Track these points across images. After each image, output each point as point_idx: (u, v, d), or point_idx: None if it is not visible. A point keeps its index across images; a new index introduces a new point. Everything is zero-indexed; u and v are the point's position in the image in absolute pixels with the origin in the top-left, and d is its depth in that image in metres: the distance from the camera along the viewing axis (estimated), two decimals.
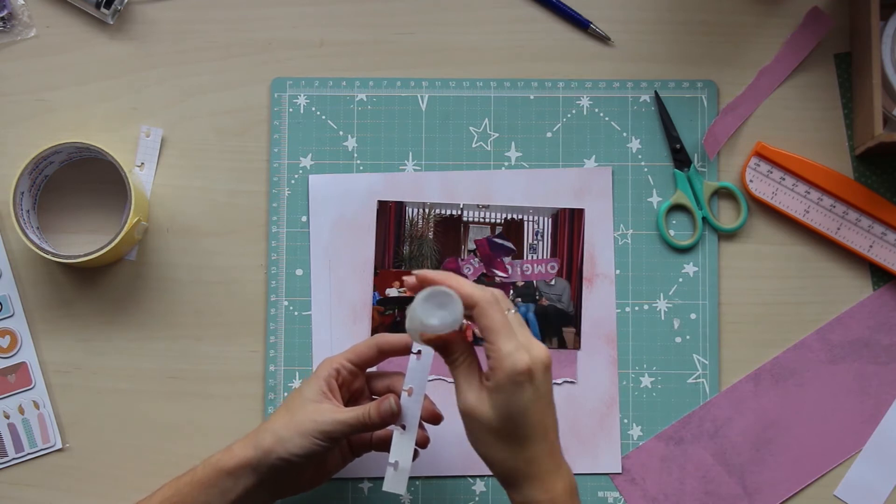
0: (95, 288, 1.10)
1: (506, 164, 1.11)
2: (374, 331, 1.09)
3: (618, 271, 1.10)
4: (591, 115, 1.11)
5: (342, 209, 1.10)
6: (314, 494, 1.07)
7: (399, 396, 0.93)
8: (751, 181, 1.09)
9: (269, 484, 0.95)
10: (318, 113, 1.11)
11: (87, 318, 1.09)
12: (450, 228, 1.10)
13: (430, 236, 1.10)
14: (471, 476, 1.09)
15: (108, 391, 1.09)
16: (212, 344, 1.09)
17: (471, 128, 1.11)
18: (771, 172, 1.09)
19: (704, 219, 1.10)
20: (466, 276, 1.09)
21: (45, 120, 1.10)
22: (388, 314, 1.09)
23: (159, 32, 1.11)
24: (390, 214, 1.10)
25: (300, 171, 1.10)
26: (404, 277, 0.91)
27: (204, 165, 1.11)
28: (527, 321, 1.08)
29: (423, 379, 0.93)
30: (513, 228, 1.10)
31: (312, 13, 1.11)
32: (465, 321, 0.89)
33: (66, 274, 1.10)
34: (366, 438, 1.01)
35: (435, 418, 0.99)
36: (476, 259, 1.10)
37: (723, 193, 1.10)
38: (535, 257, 1.10)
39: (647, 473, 1.08)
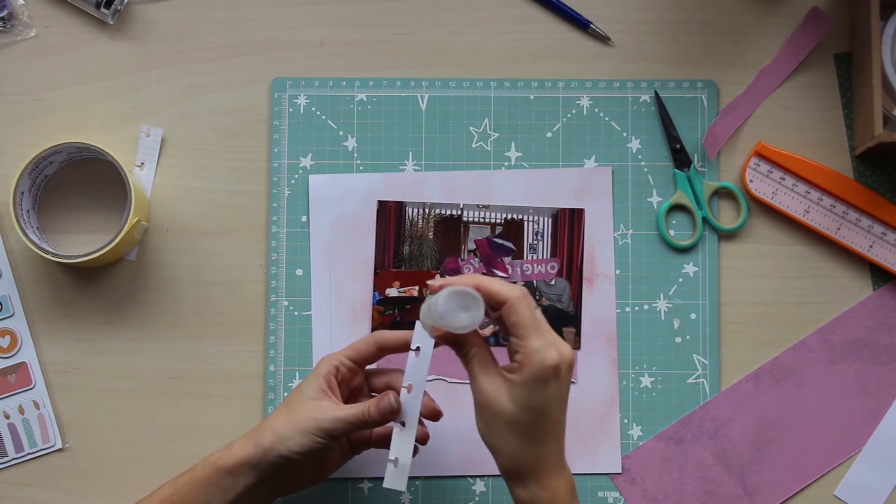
0: (95, 288, 1.10)
1: (506, 164, 1.11)
2: (374, 331, 1.09)
3: (618, 271, 1.10)
4: (591, 115, 1.11)
5: (342, 209, 1.10)
6: (314, 494, 1.07)
7: (398, 393, 0.94)
8: (751, 181, 1.09)
9: (269, 482, 0.95)
10: (318, 113, 1.11)
11: (87, 318, 1.09)
12: (450, 228, 1.10)
13: (430, 236, 1.10)
14: (471, 476, 1.09)
15: (108, 391, 1.09)
16: (212, 344, 1.09)
17: (471, 128, 1.11)
18: (771, 172, 1.09)
19: (704, 219, 1.10)
20: None
21: (45, 120, 1.10)
22: (388, 314, 1.09)
23: (159, 32, 1.11)
24: (390, 214, 1.10)
25: (300, 171, 1.10)
26: (429, 282, 0.91)
27: (204, 165, 1.11)
28: None
29: (422, 376, 0.93)
30: (513, 228, 1.10)
31: (312, 13, 1.11)
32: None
33: (66, 274, 1.10)
34: (365, 436, 1.01)
35: (434, 415, 0.99)
36: (476, 259, 1.10)
37: (723, 193, 1.10)
38: (535, 257, 1.10)
39: (647, 473, 1.08)
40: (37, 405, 1.08)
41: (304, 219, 1.10)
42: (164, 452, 1.08)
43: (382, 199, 1.10)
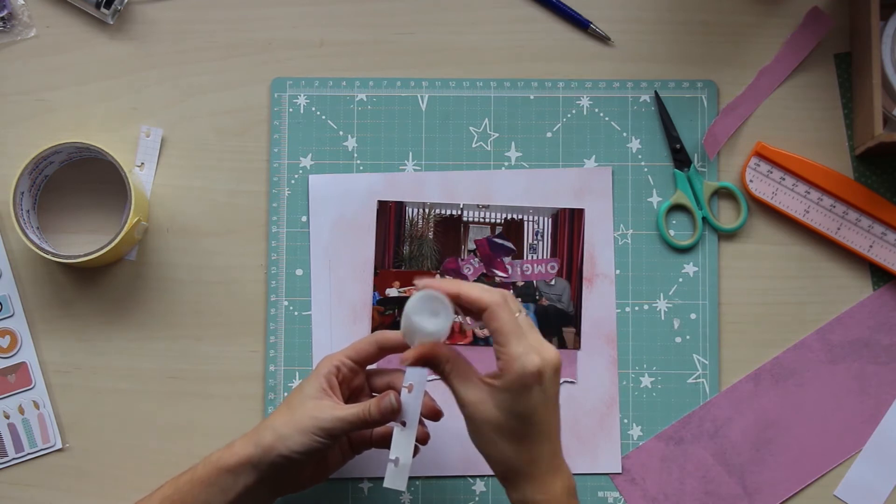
0: (95, 288, 1.10)
1: (506, 164, 1.11)
2: (374, 331, 1.09)
3: (618, 271, 1.10)
4: (591, 115, 1.11)
5: (342, 209, 1.10)
6: (314, 494, 1.07)
7: (399, 393, 0.94)
8: (751, 181, 1.09)
9: (269, 481, 0.95)
10: (318, 113, 1.11)
11: (87, 318, 1.09)
12: (450, 228, 1.10)
13: (430, 236, 1.10)
14: (471, 476, 1.09)
15: (108, 391, 1.09)
16: (212, 344, 1.09)
17: (471, 128, 1.11)
18: (771, 172, 1.09)
19: (704, 219, 1.10)
20: (466, 277, 1.09)
21: (45, 120, 1.10)
22: (388, 314, 1.09)
23: (159, 32, 1.11)
24: (390, 214, 1.10)
25: (300, 171, 1.10)
26: (415, 281, 0.91)
27: (204, 165, 1.11)
28: None
29: (422, 375, 0.93)
30: (513, 228, 1.10)
31: (312, 13, 1.11)
32: (467, 320, 0.91)
33: (66, 274, 1.10)
34: (366, 435, 1.01)
35: (435, 414, 0.99)
36: (476, 259, 1.10)
37: (723, 193, 1.10)
38: (535, 257, 1.10)
39: (647, 473, 1.08)
40: (37, 405, 1.08)
41: (304, 219, 1.10)
42: (164, 452, 1.08)
43: (382, 199, 1.10)
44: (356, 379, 0.99)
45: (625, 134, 1.11)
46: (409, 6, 1.11)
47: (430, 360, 0.90)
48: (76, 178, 1.10)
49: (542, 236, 1.10)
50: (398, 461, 0.92)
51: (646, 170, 1.10)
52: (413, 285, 1.08)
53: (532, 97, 1.11)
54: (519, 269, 1.10)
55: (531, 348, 0.86)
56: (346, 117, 1.11)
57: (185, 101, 1.11)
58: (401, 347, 0.96)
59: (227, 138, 1.11)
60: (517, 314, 0.88)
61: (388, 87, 1.11)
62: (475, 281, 1.09)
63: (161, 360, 1.09)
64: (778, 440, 1.08)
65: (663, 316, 1.09)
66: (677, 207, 1.10)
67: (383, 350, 0.97)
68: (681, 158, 1.10)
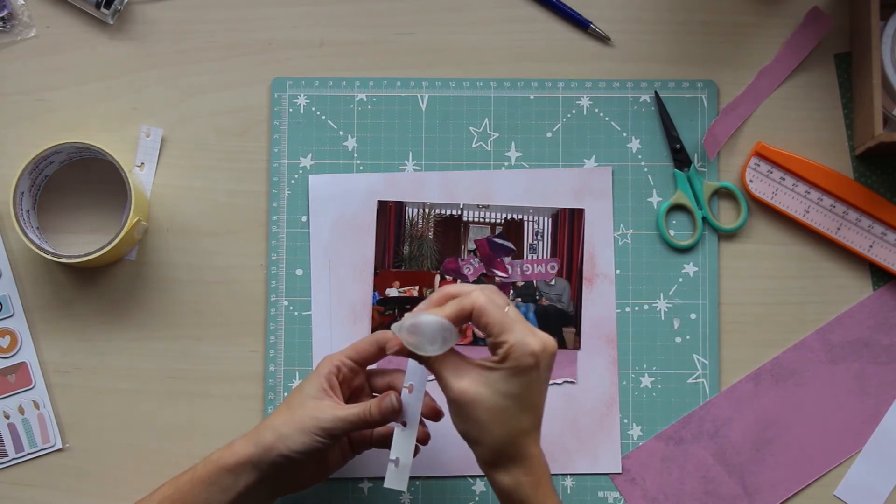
0: (95, 288, 1.10)
1: (506, 164, 1.11)
2: (374, 331, 1.09)
3: (618, 271, 1.10)
4: (591, 115, 1.11)
5: (342, 209, 1.10)
6: (314, 494, 1.07)
7: (400, 393, 0.94)
8: (751, 181, 1.09)
9: (269, 481, 0.95)
10: (318, 113, 1.11)
11: (87, 318, 1.09)
12: (450, 228, 1.10)
13: (430, 236, 1.10)
14: (471, 476, 1.09)
15: (108, 391, 1.09)
16: (212, 344, 1.09)
17: (471, 128, 1.11)
18: (771, 172, 1.09)
19: (704, 219, 1.10)
20: (467, 277, 1.09)
21: (45, 120, 1.10)
22: (388, 314, 1.09)
23: (159, 32, 1.11)
24: (390, 214, 1.10)
25: (300, 171, 1.10)
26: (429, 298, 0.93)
27: (204, 165, 1.11)
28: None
29: (423, 376, 0.94)
30: (513, 228, 1.10)
31: (312, 13, 1.11)
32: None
33: (66, 274, 1.10)
34: (366, 436, 1.01)
35: (436, 414, 0.99)
36: (476, 259, 1.10)
37: (723, 193, 1.10)
38: (535, 257, 1.10)
39: (647, 473, 1.08)
40: (37, 405, 1.08)
41: (304, 219, 1.10)
42: (164, 452, 1.08)
43: (382, 199, 1.10)
44: (356, 379, 0.99)
45: (625, 134, 1.11)
46: (409, 6, 1.11)
47: (414, 352, 0.91)
48: (76, 178, 1.10)
49: (542, 236, 1.10)
50: (398, 461, 0.92)
51: (646, 170, 1.10)
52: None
53: (532, 97, 1.11)
54: (519, 269, 1.10)
55: (528, 331, 0.89)
56: (346, 117, 1.11)
57: (185, 101, 1.11)
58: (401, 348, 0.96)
59: (227, 138, 1.11)
60: (506, 308, 0.89)
61: (388, 87, 1.11)
62: (475, 280, 1.09)
63: (161, 360, 1.09)
64: (778, 440, 1.08)
65: (663, 316, 1.09)
66: (677, 207, 1.10)
67: (383, 350, 0.97)
68: (681, 158, 1.10)
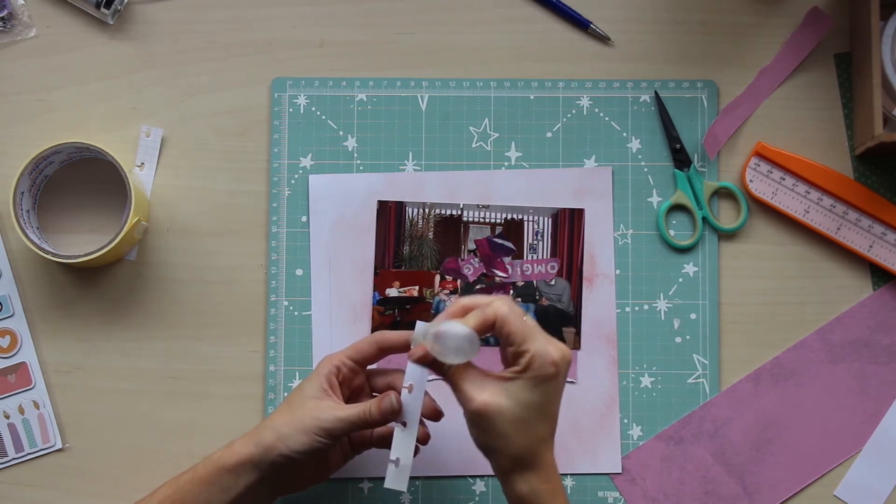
0: (95, 288, 1.10)
1: (506, 164, 1.11)
2: (374, 331, 1.09)
3: (618, 271, 1.10)
4: (591, 115, 1.11)
5: (342, 209, 1.10)
6: (314, 494, 1.07)
7: (399, 393, 0.94)
8: (751, 181, 1.09)
9: (269, 481, 0.95)
10: (318, 113, 1.11)
11: (87, 318, 1.09)
12: (450, 228, 1.10)
13: (430, 236, 1.10)
14: (471, 476, 1.09)
15: (108, 391, 1.09)
16: (212, 344, 1.09)
17: (471, 128, 1.11)
18: (771, 172, 1.09)
19: (704, 219, 1.10)
20: (467, 277, 1.09)
21: (45, 120, 1.10)
22: (388, 314, 1.09)
23: (159, 32, 1.11)
24: (390, 214, 1.10)
25: (300, 171, 1.10)
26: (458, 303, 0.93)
27: (204, 165, 1.11)
28: None
29: (423, 376, 0.93)
30: (513, 228, 1.10)
31: (312, 13, 1.11)
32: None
33: (66, 274, 1.10)
34: (366, 436, 1.01)
35: (435, 414, 0.99)
36: (476, 259, 1.10)
37: (723, 193, 1.10)
38: (535, 257, 1.10)
39: (647, 473, 1.08)
40: (37, 405, 1.08)
41: (304, 219, 1.10)
42: (164, 452, 1.08)
43: (382, 199, 1.10)
44: (356, 379, 0.99)
45: (625, 134, 1.11)
46: (409, 6, 1.11)
47: (436, 362, 0.91)
48: (76, 178, 1.10)
49: (542, 236, 1.10)
50: (399, 462, 0.92)
51: (646, 170, 1.10)
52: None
53: (532, 97, 1.11)
54: (519, 269, 1.10)
55: (549, 342, 0.90)
56: (346, 117, 1.11)
57: (185, 101, 1.11)
58: (401, 348, 0.96)
59: (227, 138, 1.11)
60: (524, 318, 0.91)
61: (388, 87, 1.11)
62: (475, 281, 1.09)
63: (161, 360, 1.09)
64: (778, 440, 1.08)
65: (663, 316, 1.09)
66: (677, 207, 1.10)
67: (383, 350, 0.97)
68: (681, 158, 1.10)
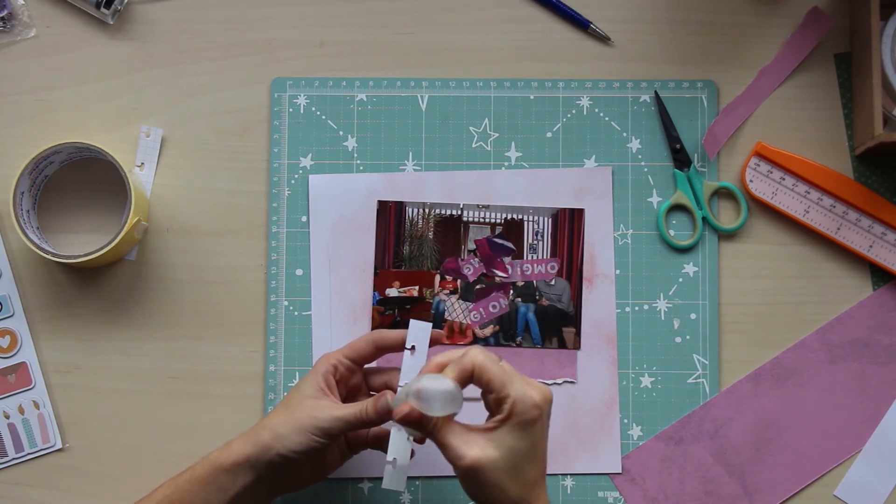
0: (95, 288, 1.10)
1: (506, 164, 1.11)
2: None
3: (618, 271, 1.10)
4: (591, 115, 1.11)
5: (342, 209, 1.10)
6: (314, 494, 1.07)
7: (396, 392, 0.94)
8: (751, 181, 1.09)
9: (267, 481, 0.95)
10: (318, 113, 1.11)
11: (87, 318, 1.09)
12: (450, 228, 1.10)
13: (430, 236, 1.10)
14: None
15: (108, 391, 1.09)
16: (212, 344, 1.09)
17: (471, 128, 1.11)
18: (771, 172, 1.09)
19: (704, 219, 1.10)
20: (466, 276, 1.09)
21: (45, 120, 1.10)
22: (388, 314, 1.09)
23: (159, 32, 1.11)
24: (390, 214, 1.10)
25: (300, 171, 1.10)
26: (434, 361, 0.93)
27: (204, 165, 1.11)
28: (527, 321, 1.09)
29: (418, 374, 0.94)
30: (513, 228, 1.10)
31: (312, 13, 1.11)
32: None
33: (66, 274, 1.10)
34: (362, 436, 1.01)
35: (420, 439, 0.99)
36: (476, 259, 1.10)
37: (723, 193, 1.10)
38: (535, 257, 1.10)
39: (647, 473, 1.08)
40: (37, 405, 1.08)
41: (304, 219, 1.10)
42: (164, 452, 1.08)
43: (382, 199, 1.10)
44: (353, 378, 0.99)
45: (625, 134, 1.11)
46: (409, 6, 1.11)
47: (421, 420, 0.90)
48: (76, 178, 1.10)
49: (542, 236, 1.10)
50: (396, 462, 0.92)
51: (646, 170, 1.10)
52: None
53: (532, 97, 1.11)
54: (519, 269, 1.10)
55: (528, 385, 0.90)
56: (346, 117, 1.11)
57: (185, 101, 1.11)
58: (398, 347, 0.96)
59: (227, 138, 1.11)
60: (500, 362, 0.91)
61: (388, 87, 1.11)
62: (475, 280, 1.09)
63: (161, 360, 1.09)
64: (778, 440, 1.08)
65: (663, 316, 1.09)
66: (677, 207, 1.10)
67: (380, 349, 0.97)
68: (681, 158, 1.10)
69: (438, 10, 1.11)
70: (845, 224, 1.09)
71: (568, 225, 1.10)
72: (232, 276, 1.10)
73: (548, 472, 0.92)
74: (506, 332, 1.09)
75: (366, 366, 1.00)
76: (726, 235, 1.10)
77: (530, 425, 0.89)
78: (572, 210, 1.10)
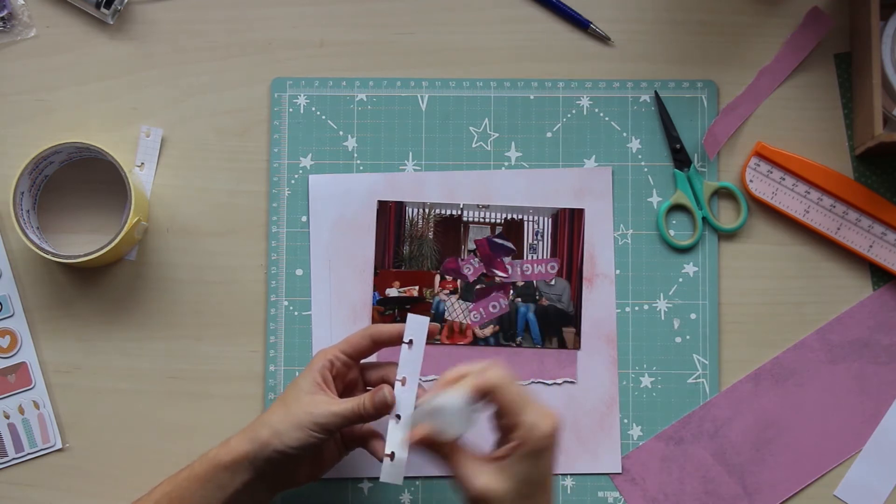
0: (95, 288, 1.10)
1: (506, 164, 1.11)
2: None
3: (618, 271, 1.10)
4: (591, 115, 1.11)
5: (342, 209, 1.10)
6: (314, 494, 1.07)
7: (393, 387, 0.94)
8: (751, 181, 1.09)
9: (266, 477, 0.95)
10: (318, 113, 1.11)
11: (87, 318, 1.09)
12: (450, 228, 1.10)
13: (430, 236, 1.10)
14: None
15: (108, 391, 1.09)
16: (212, 344, 1.09)
17: (471, 128, 1.11)
18: (771, 172, 1.09)
19: (704, 219, 1.10)
20: (466, 276, 1.09)
21: (45, 120, 1.10)
22: (388, 314, 1.09)
23: (159, 32, 1.11)
24: (390, 214, 1.10)
25: (300, 171, 1.10)
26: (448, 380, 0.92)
27: (204, 165, 1.11)
28: (527, 321, 1.09)
29: (416, 369, 0.93)
30: (513, 228, 1.10)
31: (312, 13, 1.12)
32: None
33: (66, 274, 1.10)
34: (356, 433, 1.01)
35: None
36: (476, 259, 1.10)
37: (723, 193, 1.10)
38: (535, 257, 1.10)
39: (647, 473, 1.08)
40: (37, 405, 1.08)
41: (304, 219, 1.10)
42: (164, 452, 1.08)
43: (382, 199, 1.10)
44: (350, 373, 0.99)
45: (625, 134, 1.11)
46: (409, 6, 1.12)
47: (436, 444, 0.90)
48: (76, 178, 1.10)
49: (542, 236, 1.10)
50: (393, 455, 0.92)
51: (646, 170, 1.10)
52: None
53: (532, 97, 1.11)
54: (519, 269, 1.10)
55: (542, 413, 0.89)
56: (346, 117, 1.11)
57: (185, 101, 1.11)
58: (394, 341, 0.96)
59: (227, 138, 1.11)
60: (517, 384, 0.90)
61: (388, 87, 1.11)
62: (475, 280, 1.09)
63: (161, 360, 1.09)
64: (778, 440, 1.08)
65: (663, 316, 1.09)
66: (677, 207, 1.10)
67: (377, 344, 0.97)
68: (681, 158, 1.10)
69: (438, 10, 1.11)
70: (845, 224, 1.09)
71: (568, 225, 1.10)
72: (232, 276, 1.10)
73: None
74: (506, 332, 1.09)
75: (362, 361, 1.00)
76: (726, 235, 1.10)
77: (541, 455, 0.88)
78: (572, 210, 1.10)
